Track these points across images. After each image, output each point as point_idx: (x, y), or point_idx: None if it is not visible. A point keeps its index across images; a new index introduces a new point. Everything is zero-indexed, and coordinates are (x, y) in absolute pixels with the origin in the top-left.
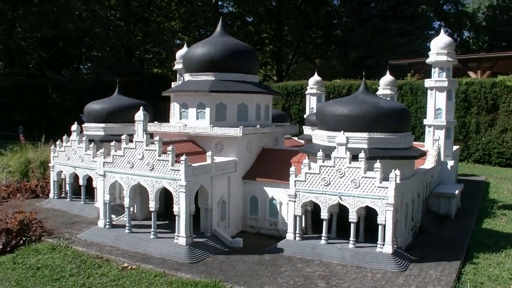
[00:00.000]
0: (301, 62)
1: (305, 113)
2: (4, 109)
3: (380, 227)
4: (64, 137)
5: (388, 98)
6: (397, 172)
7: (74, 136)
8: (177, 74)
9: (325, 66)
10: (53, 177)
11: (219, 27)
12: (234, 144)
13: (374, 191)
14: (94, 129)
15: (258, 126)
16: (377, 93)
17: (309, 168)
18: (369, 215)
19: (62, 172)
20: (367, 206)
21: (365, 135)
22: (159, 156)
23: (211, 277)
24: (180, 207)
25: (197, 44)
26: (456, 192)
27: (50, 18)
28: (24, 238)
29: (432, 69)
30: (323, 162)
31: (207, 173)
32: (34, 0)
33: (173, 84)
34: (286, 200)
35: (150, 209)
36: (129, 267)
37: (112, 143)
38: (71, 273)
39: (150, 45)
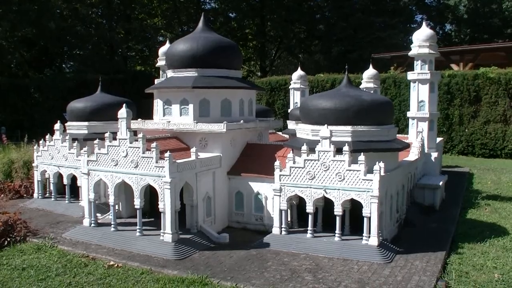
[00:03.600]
0: (285, 57)
1: (289, 108)
2: None
3: (365, 219)
4: (47, 137)
5: (372, 91)
6: (381, 164)
7: (57, 135)
8: (160, 71)
9: (308, 61)
10: (37, 176)
11: (201, 23)
12: (218, 140)
13: (358, 183)
14: (77, 127)
15: (242, 121)
16: (361, 86)
17: (294, 162)
18: (354, 207)
19: (46, 171)
20: (352, 199)
21: (348, 128)
22: (143, 153)
23: (197, 273)
24: (165, 204)
25: (179, 41)
26: (441, 183)
27: (31, 17)
28: (8, 239)
29: (415, 61)
30: (307, 156)
31: (192, 169)
32: None
33: (156, 81)
34: (272, 195)
35: (135, 206)
36: (116, 265)
37: (96, 141)
38: (57, 272)
39: (133, 42)
